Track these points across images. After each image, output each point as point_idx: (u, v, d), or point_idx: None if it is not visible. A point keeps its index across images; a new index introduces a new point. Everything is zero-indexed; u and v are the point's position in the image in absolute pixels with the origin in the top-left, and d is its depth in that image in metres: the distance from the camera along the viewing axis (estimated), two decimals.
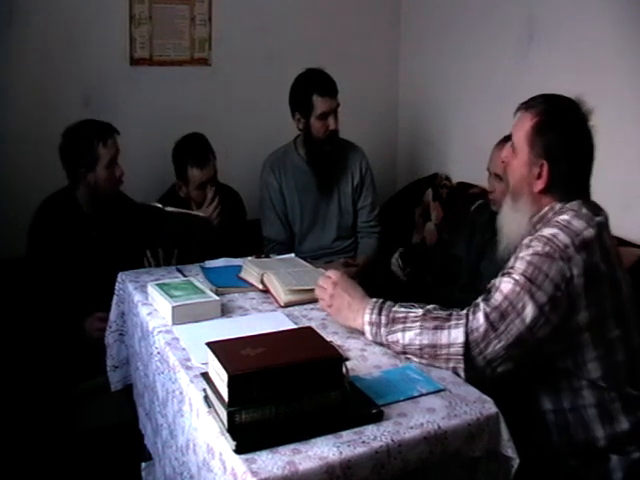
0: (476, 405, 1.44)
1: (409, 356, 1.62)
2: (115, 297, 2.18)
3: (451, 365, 1.56)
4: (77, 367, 2.42)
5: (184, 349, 1.66)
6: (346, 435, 1.32)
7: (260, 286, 2.05)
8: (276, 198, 2.95)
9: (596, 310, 1.57)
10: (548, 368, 1.63)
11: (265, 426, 1.29)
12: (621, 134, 2.44)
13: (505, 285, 1.56)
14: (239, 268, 2.17)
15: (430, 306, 1.66)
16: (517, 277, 1.55)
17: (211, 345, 1.39)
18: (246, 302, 1.99)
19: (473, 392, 1.50)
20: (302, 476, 1.22)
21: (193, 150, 2.76)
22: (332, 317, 1.80)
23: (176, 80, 3.16)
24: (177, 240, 2.64)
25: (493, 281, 1.61)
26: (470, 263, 2.49)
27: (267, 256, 2.36)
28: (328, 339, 1.51)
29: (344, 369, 1.38)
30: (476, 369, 1.55)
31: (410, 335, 1.60)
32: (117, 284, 2.18)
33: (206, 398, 1.41)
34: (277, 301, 1.97)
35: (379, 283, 2.85)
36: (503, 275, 1.59)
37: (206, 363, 1.44)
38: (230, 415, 1.28)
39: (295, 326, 1.77)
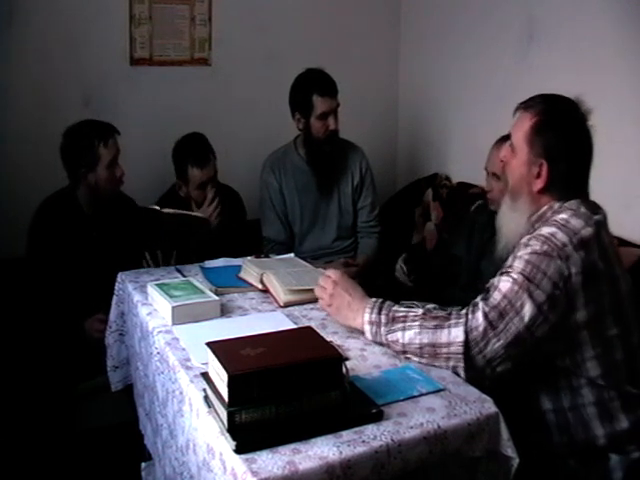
0: (476, 405, 1.44)
1: (409, 355, 1.62)
2: (115, 297, 2.18)
3: (451, 364, 1.56)
4: (77, 367, 2.42)
5: (184, 349, 1.66)
6: (346, 435, 1.32)
7: (260, 286, 2.05)
8: (276, 198, 2.95)
9: (594, 308, 1.57)
10: (547, 367, 1.63)
11: (265, 426, 1.29)
12: (621, 134, 2.44)
13: (504, 284, 1.57)
14: (239, 268, 2.17)
15: (430, 305, 1.67)
16: (515, 276, 1.56)
17: (211, 345, 1.39)
18: (246, 302, 1.99)
19: (473, 392, 1.50)
20: (302, 476, 1.22)
21: (193, 150, 2.76)
22: (332, 316, 1.80)
23: (176, 80, 3.16)
24: (175, 241, 2.64)
25: (492, 280, 1.61)
26: (470, 263, 2.49)
27: (267, 256, 2.36)
28: (328, 339, 1.51)
29: (344, 369, 1.38)
30: (476, 368, 1.56)
31: (410, 334, 1.60)
32: (117, 284, 2.18)
33: (206, 398, 1.41)
34: (277, 301, 1.97)
35: (379, 283, 2.84)
36: (502, 274, 1.60)
37: (206, 363, 1.44)
38: (230, 415, 1.28)
39: (295, 326, 1.77)
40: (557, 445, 1.66)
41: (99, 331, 2.35)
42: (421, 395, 1.47)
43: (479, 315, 1.55)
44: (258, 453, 1.25)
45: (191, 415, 1.47)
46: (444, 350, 1.56)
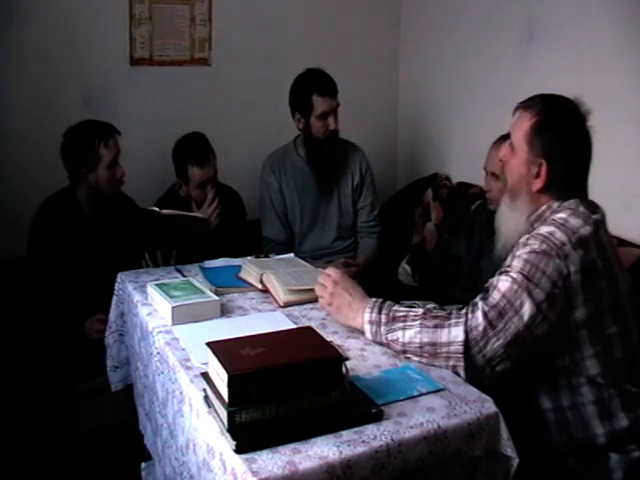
0: (476, 404, 1.44)
1: (409, 355, 1.62)
2: (115, 297, 2.18)
3: (451, 363, 1.57)
4: (77, 367, 2.42)
5: (184, 349, 1.66)
6: (346, 435, 1.32)
7: (259, 286, 2.05)
8: (276, 198, 2.95)
9: (593, 307, 1.58)
10: (546, 366, 1.63)
11: (265, 426, 1.29)
12: (621, 134, 2.44)
13: (503, 284, 1.57)
14: (238, 268, 2.17)
15: (430, 305, 1.67)
16: (515, 275, 1.56)
17: (211, 345, 1.39)
18: (245, 302, 1.99)
19: (473, 391, 1.50)
20: (302, 476, 1.22)
21: (193, 149, 2.77)
22: (332, 316, 1.80)
23: (176, 80, 3.17)
24: (175, 242, 2.64)
25: (491, 280, 1.62)
26: (470, 263, 2.49)
27: (266, 256, 2.36)
28: (328, 339, 1.51)
29: (344, 369, 1.38)
30: (475, 368, 1.56)
31: (410, 333, 1.60)
32: (117, 284, 2.18)
33: (206, 398, 1.41)
34: (276, 301, 1.97)
35: (379, 283, 2.85)
36: (501, 274, 1.60)
37: (206, 363, 1.44)
38: (230, 415, 1.28)
39: (295, 326, 1.77)
40: (557, 444, 1.66)
41: (99, 331, 2.35)
42: (421, 395, 1.47)
43: (479, 314, 1.55)
44: (258, 453, 1.25)
45: (191, 415, 1.48)
46: (444, 349, 1.56)
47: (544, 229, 1.60)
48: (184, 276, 2.12)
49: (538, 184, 1.66)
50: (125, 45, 3.05)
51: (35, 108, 2.90)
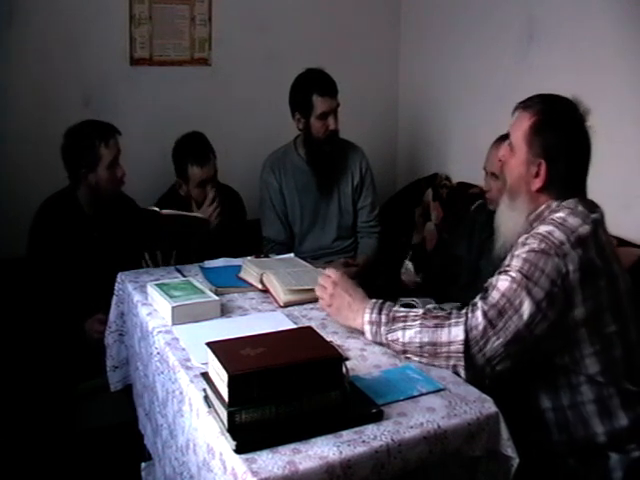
0: (476, 404, 1.44)
1: (409, 355, 1.62)
2: (115, 297, 2.18)
3: (451, 363, 1.57)
4: (77, 367, 2.42)
5: (184, 349, 1.66)
6: (346, 435, 1.32)
7: (260, 286, 2.05)
8: (276, 198, 2.95)
9: (593, 305, 1.58)
10: (546, 365, 1.64)
11: (265, 426, 1.29)
12: (621, 134, 2.44)
13: (502, 283, 1.57)
14: (238, 268, 2.17)
15: (430, 305, 1.68)
16: (514, 274, 1.56)
17: (211, 345, 1.39)
18: (246, 302, 1.99)
19: (473, 391, 1.50)
20: (302, 476, 1.22)
21: (193, 148, 2.77)
22: (332, 317, 1.80)
23: (176, 80, 3.16)
24: (175, 242, 2.64)
25: (490, 280, 1.62)
26: (471, 262, 2.49)
27: (267, 256, 2.36)
28: (328, 339, 1.51)
29: (344, 369, 1.38)
30: (476, 367, 1.56)
31: (410, 333, 1.60)
32: (117, 284, 2.18)
33: (206, 398, 1.41)
34: (277, 301, 1.97)
35: (379, 283, 2.85)
36: (500, 273, 1.61)
37: (206, 363, 1.44)
38: (230, 415, 1.28)
39: (295, 326, 1.77)
40: (557, 444, 1.66)
41: (99, 332, 2.35)
42: (421, 395, 1.47)
43: (478, 314, 1.56)
44: (258, 453, 1.25)
45: (191, 415, 1.48)
46: (444, 349, 1.56)
47: (543, 228, 1.60)
48: (184, 276, 2.12)
49: (537, 184, 1.67)
50: (125, 45, 3.04)
51: (35, 108, 2.90)
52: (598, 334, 1.60)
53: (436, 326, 1.58)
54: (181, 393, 1.55)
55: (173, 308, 1.80)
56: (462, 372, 1.56)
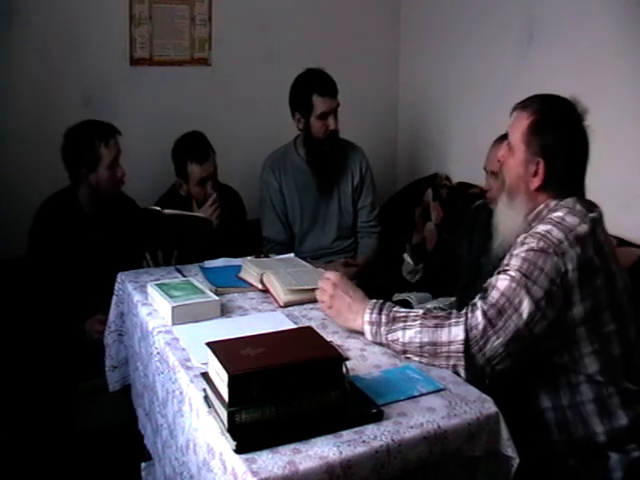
0: (476, 404, 1.44)
1: (409, 355, 1.62)
2: (114, 297, 2.18)
3: (451, 363, 1.57)
4: (77, 367, 2.42)
5: (184, 349, 1.66)
6: (346, 435, 1.32)
7: (260, 286, 2.05)
8: (276, 198, 2.95)
9: (591, 304, 1.58)
10: (545, 365, 1.64)
11: (265, 426, 1.29)
12: (621, 134, 2.45)
13: (501, 282, 1.58)
14: (238, 268, 2.17)
15: (430, 305, 1.68)
16: (513, 273, 1.57)
17: (211, 345, 1.39)
18: (246, 302, 1.99)
19: (473, 391, 1.50)
20: (302, 476, 1.22)
21: (192, 146, 2.77)
22: (332, 319, 1.80)
23: (176, 80, 3.16)
24: (177, 241, 2.64)
25: (490, 280, 1.62)
26: (471, 262, 2.49)
27: (267, 256, 2.36)
28: (328, 339, 1.51)
29: (344, 369, 1.38)
30: (476, 367, 1.56)
31: (410, 333, 1.60)
32: (116, 284, 2.18)
33: (206, 398, 1.41)
34: (277, 301, 1.97)
35: (379, 283, 2.85)
36: (499, 273, 1.61)
37: (206, 363, 1.44)
38: (230, 415, 1.28)
39: (295, 326, 1.77)
40: (557, 443, 1.66)
41: (99, 332, 2.35)
42: (421, 395, 1.47)
43: (478, 314, 1.56)
44: (258, 453, 1.25)
45: (191, 415, 1.47)
46: (444, 349, 1.57)
47: (541, 227, 1.61)
48: (184, 276, 2.12)
49: (535, 183, 1.67)
50: (125, 45, 3.05)
51: (35, 108, 2.90)
52: (597, 333, 1.61)
53: (436, 326, 1.58)
54: (181, 393, 1.55)
55: (173, 308, 1.80)
56: (462, 372, 1.56)
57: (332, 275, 1.80)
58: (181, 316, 1.80)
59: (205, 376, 1.42)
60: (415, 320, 1.61)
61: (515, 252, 1.60)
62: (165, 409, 1.69)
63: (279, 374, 1.30)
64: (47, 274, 2.50)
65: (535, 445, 1.66)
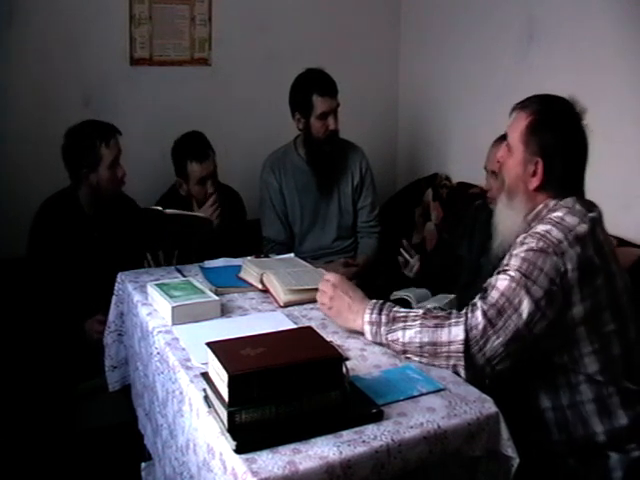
0: (476, 404, 1.44)
1: (409, 355, 1.62)
2: (114, 297, 2.18)
3: (451, 363, 1.57)
4: (77, 367, 2.42)
5: (184, 349, 1.66)
6: (346, 435, 1.32)
7: (260, 286, 2.05)
8: (276, 198, 2.95)
9: (591, 304, 1.58)
10: (545, 365, 1.64)
11: (265, 426, 1.29)
12: (621, 134, 2.45)
13: (501, 282, 1.58)
14: (238, 268, 2.17)
15: (430, 306, 1.68)
16: (512, 273, 1.57)
17: (211, 345, 1.39)
18: (246, 302, 1.99)
19: (473, 391, 1.50)
20: (302, 476, 1.22)
21: (192, 146, 2.77)
22: (332, 320, 1.80)
23: (176, 80, 3.17)
24: (178, 241, 2.64)
25: (489, 280, 1.62)
26: (471, 262, 2.50)
27: (267, 256, 2.36)
28: (328, 339, 1.51)
29: (344, 369, 1.38)
30: (476, 367, 1.56)
31: (410, 333, 1.60)
32: (116, 284, 2.18)
33: (206, 398, 1.41)
34: (277, 301, 1.97)
35: (379, 283, 2.85)
36: (499, 273, 1.61)
37: (206, 363, 1.44)
38: (230, 415, 1.28)
39: (295, 326, 1.77)
40: (557, 443, 1.66)
41: (99, 332, 2.35)
42: (421, 395, 1.47)
43: (478, 314, 1.56)
44: (258, 453, 1.25)
45: (191, 415, 1.48)
46: (444, 349, 1.57)
47: (541, 227, 1.61)
48: (184, 276, 2.12)
49: (535, 182, 1.67)
50: (125, 45, 3.05)
51: (35, 108, 2.90)
52: (597, 333, 1.61)
53: (436, 326, 1.59)
54: (181, 393, 1.55)
55: (173, 308, 1.80)
56: (462, 372, 1.56)
57: (332, 277, 1.80)
58: (181, 316, 1.80)
59: (205, 376, 1.42)
60: (415, 320, 1.61)
61: (515, 252, 1.60)
62: (165, 409, 1.69)
63: (279, 374, 1.30)
64: (47, 274, 2.50)
65: (535, 445, 1.66)
